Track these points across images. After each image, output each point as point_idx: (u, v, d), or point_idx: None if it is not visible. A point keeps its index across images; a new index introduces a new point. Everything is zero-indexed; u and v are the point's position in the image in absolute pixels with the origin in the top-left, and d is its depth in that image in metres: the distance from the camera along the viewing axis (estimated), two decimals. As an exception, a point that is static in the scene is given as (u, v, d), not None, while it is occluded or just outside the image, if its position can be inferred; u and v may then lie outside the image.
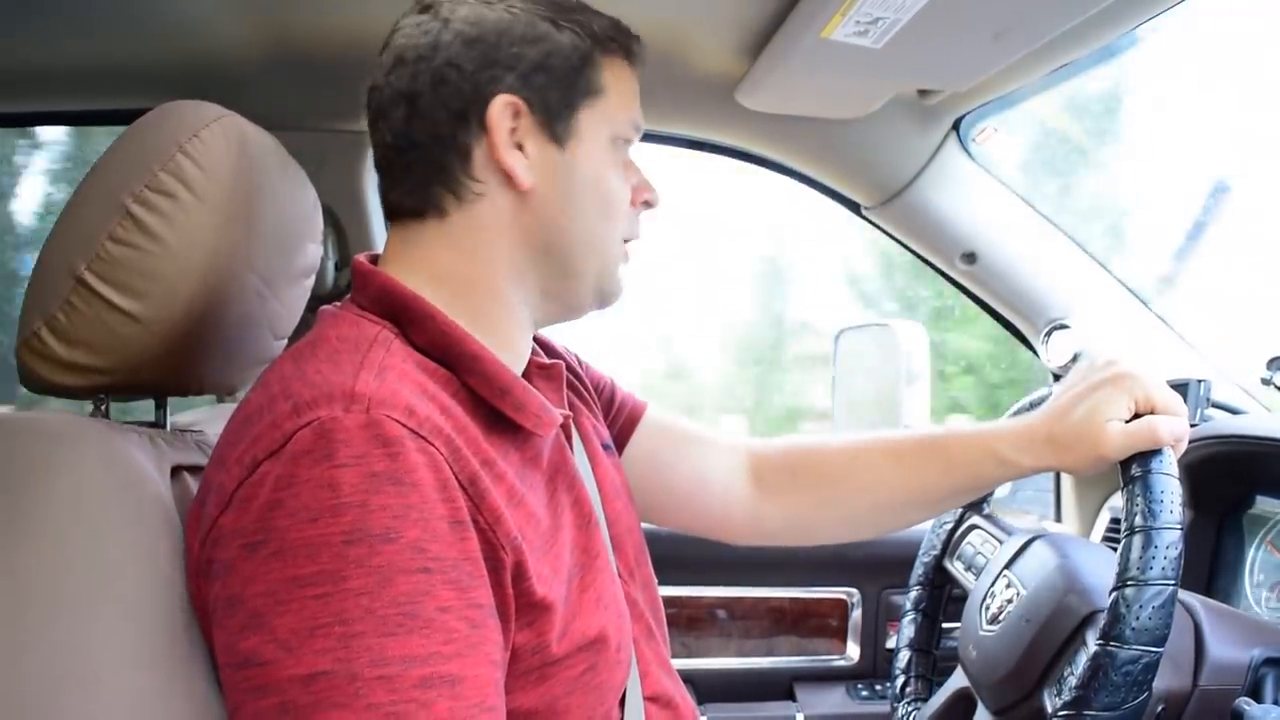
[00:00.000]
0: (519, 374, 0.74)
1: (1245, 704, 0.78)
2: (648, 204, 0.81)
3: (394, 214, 0.74)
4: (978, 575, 0.99)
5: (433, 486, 0.59)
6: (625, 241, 0.79)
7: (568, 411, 0.78)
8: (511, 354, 0.74)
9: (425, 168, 0.72)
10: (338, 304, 0.74)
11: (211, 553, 0.60)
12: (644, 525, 0.91)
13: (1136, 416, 0.80)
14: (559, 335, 0.92)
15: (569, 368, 0.90)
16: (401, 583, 0.56)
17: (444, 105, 0.71)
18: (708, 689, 1.51)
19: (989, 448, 0.89)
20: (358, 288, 0.73)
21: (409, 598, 0.56)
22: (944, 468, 0.92)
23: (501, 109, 0.71)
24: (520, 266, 0.74)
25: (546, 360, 0.83)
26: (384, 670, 0.55)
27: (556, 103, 0.73)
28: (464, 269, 0.73)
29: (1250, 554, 1.12)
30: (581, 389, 0.92)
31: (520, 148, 0.72)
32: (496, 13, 0.72)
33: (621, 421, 0.97)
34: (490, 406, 0.69)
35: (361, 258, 0.75)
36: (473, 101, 0.71)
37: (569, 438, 0.79)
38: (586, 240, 0.75)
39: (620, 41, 0.76)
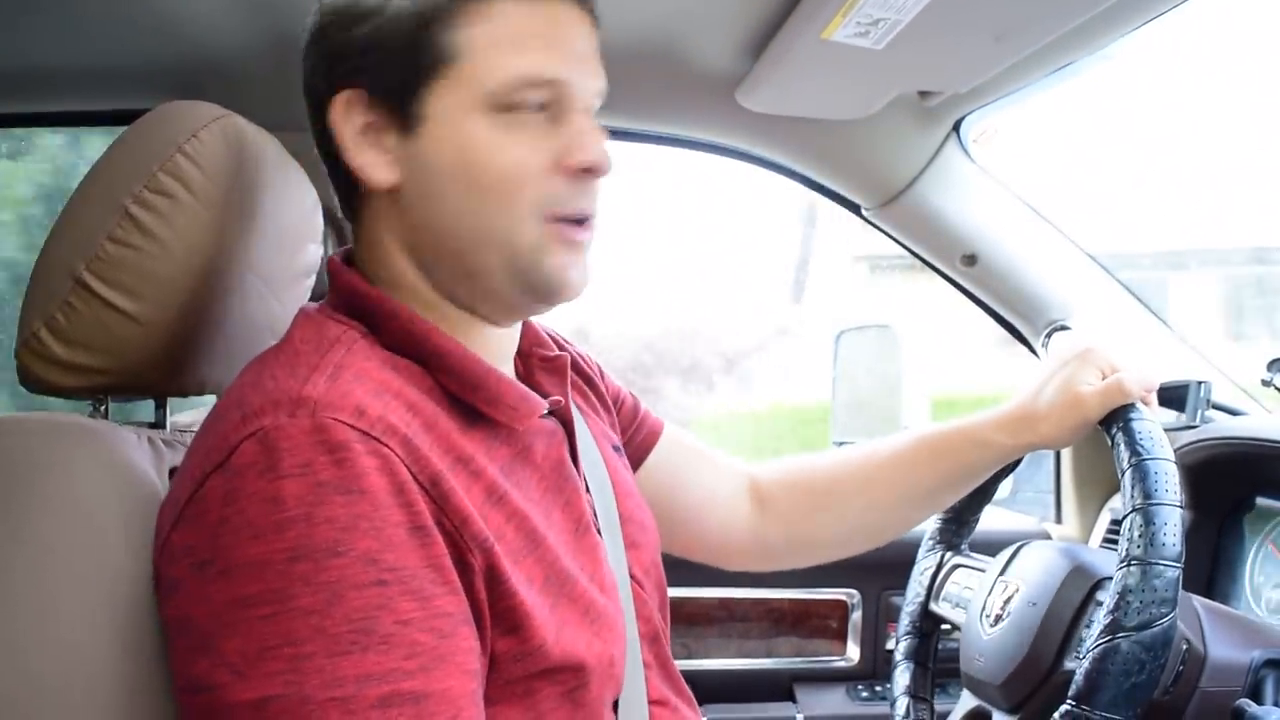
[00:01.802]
0: (499, 367, 0.69)
1: (1246, 705, 0.78)
2: (588, 171, 0.66)
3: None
4: (967, 609, 0.98)
5: (387, 491, 0.56)
6: (561, 221, 0.66)
7: (559, 398, 0.74)
8: (483, 350, 0.68)
9: (331, 179, 0.71)
10: (318, 303, 0.72)
11: (163, 569, 0.59)
12: None
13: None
14: (578, 340, 0.91)
15: (580, 372, 0.88)
16: (353, 598, 0.54)
17: (313, 117, 0.69)
18: (708, 690, 1.49)
19: (968, 433, 0.93)
20: (330, 288, 0.71)
21: (363, 613, 0.54)
22: (929, 460, 0.95)
23: (342, 107, 0.66)
24: (423, 269, 0.68)
25: (552, 353, 0.79)
26: (337, 692, 0.52)
27: (397, 83, 0.65)
28: (384, 273, 0.70)
29: (1251, 555, 1.11)
30: (591, 394, 0.89)
31: (382, 142, 0.66)
32: None
33: (641, 438, 0.95)
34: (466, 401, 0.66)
35: (335, 256, 0.72)
36: (321, 107, 0.67)
37: (571, 434, 0.75)
38: (472, 233, 0.66)
39: None
